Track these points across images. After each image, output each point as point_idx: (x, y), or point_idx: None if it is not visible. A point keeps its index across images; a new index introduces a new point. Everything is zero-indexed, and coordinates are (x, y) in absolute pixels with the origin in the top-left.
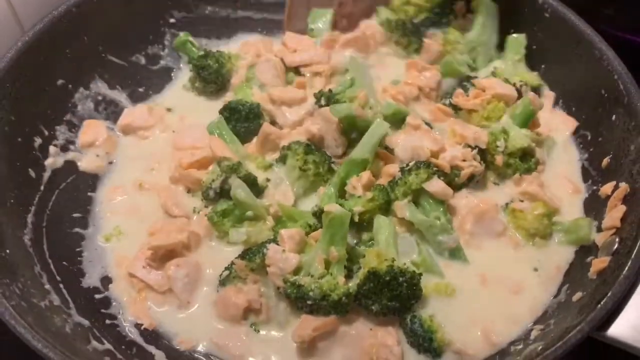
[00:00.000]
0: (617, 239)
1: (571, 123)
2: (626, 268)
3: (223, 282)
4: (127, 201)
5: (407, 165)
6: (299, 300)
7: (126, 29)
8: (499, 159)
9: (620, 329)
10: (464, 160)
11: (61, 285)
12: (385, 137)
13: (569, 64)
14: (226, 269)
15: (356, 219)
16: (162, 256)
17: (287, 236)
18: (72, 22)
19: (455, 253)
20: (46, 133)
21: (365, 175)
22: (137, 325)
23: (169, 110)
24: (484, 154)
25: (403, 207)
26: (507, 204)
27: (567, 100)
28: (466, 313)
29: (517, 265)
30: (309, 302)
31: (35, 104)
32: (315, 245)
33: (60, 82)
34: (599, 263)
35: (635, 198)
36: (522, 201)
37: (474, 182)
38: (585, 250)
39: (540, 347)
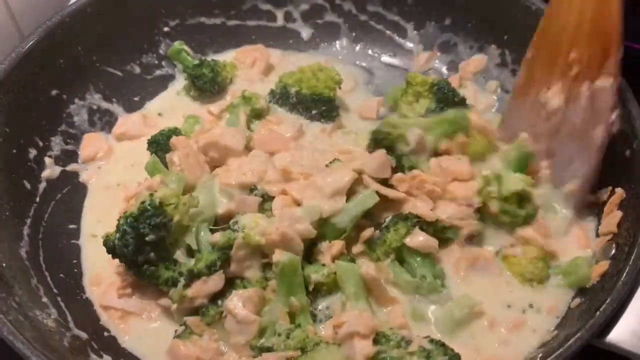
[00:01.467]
0: (614, 245)
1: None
2: (624, 274)
3: (178, 337)
4: (105, 202)
5: (385, 221)
6: None
7: (120, 39)
8: (494, 207)
9: (620, 335)
10: (462, 219)
11: (58, 298)
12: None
13: None
14: (182, 324)
15: (310, 287)
16: (133, 281)
17: (245, 298)
18: (66, 33)
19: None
20: (41, 144)
21: (337, 245)
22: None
23: (159, 115)
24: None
25: (387, 269)
26: (497, 252)
27: None
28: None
29: (514, 304)
30: None
31: (30, 115)
32: (274, 299)
33: (54, 92)
34: (600, 267)
35: (631, 204)
36: (512, 246)
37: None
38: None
39: (540, 355)
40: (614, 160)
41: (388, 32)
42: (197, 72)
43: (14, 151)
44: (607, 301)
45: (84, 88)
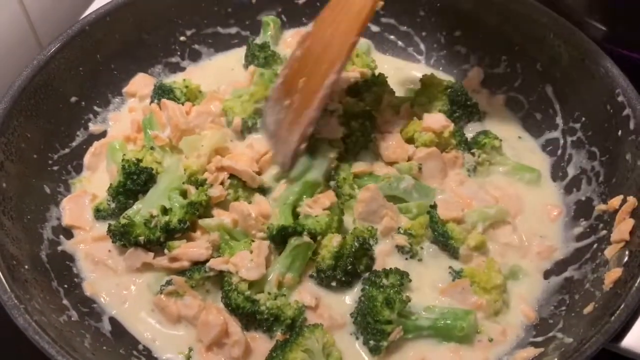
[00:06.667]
0: (626, 252)
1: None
2: (638, 280)
3: (161, 292)
4: None
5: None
6: (250, 315)
7: (138, 47)
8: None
9: (634, 339)
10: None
11: (78, 301)
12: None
13: (574, 81)
14: (167, 283)
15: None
16: None
17: (259, 247)
18: (86, 41)
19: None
20: (60, 150)
21: (325, 196)
22: None
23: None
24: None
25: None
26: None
27: (573, 116)
28: None
29: None
30: (258, 318)
31: (50, 121)
32: (273, 266)
33: (73, 99)
34: (613, 274)
35: None
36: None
37: None
38: (597, 265)
39: (556, 359)
40: (625, 169)
41: (400, 43)
42: (256, 53)
43: (35, 156)
44: (622, 306)
45: (103, 95)
